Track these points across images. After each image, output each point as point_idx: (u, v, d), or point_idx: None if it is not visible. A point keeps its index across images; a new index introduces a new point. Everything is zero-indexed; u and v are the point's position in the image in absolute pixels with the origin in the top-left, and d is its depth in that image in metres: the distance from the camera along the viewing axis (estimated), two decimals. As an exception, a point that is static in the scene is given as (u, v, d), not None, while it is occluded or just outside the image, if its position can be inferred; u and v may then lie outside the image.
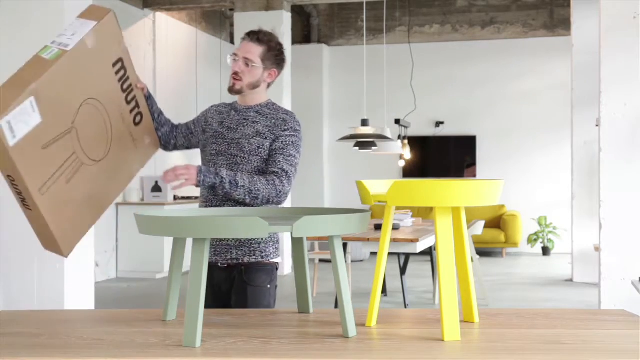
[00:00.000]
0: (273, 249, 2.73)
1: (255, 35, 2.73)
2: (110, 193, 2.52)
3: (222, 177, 2.55)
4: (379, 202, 1.94)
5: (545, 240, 10.82)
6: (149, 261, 8.63)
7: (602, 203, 4.62)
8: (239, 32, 9.05)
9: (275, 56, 2.76)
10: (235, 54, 2.74)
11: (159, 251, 8.53)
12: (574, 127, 8.37)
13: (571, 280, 8.42)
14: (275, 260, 2.74)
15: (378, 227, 6.38)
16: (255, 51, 2.72)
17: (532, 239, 10.84)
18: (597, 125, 5.30)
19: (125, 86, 2.48)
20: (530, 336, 1.85)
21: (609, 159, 4.62)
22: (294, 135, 2.73)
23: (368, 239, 5.70)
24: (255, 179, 2.59)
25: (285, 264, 8.92)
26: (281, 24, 8.89)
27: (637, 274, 4.51)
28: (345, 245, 5.99)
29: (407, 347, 1.75)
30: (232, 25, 11.21)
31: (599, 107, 4.64)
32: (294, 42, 10.31)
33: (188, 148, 2.94)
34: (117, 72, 2.43)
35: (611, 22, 4.60)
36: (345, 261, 4.87)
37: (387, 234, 1.98)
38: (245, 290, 2.66)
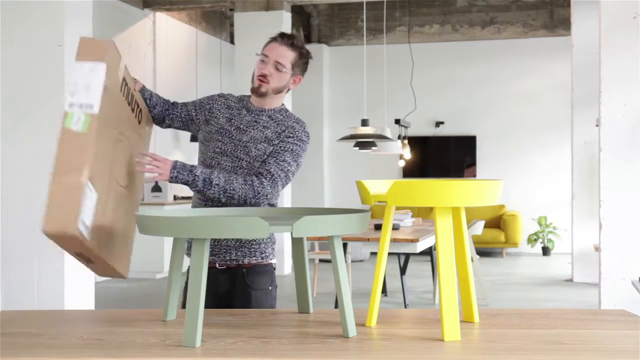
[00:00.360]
0: (271, 249, 2.71)
1: (290, 40, 2.66)
2: (134, 195, 2.46)
3: (196, 175, 2.48)
4: (379, 202, 1.94)
5: (545, 240, 10.82)
6: (149, 261, 8.63)
7: (602, 203, 4.62)
8: (239, 32, 9.07)
9: (304, 64, 2.72)
10: (265, 55, 2.66)
11: (159, 251, 8.53)
12: (574, 127, 8.37)
13: (571, 280, 8.42)
14: (273, 261, 2.73)
15: (378, 227, 6.38)
16: (288, 56, 2.65)
17: (532, 239, 10.84)
18: (597, 125, 5.29)
19: (130, 100, 2.39)
20: (530, 336, 1.85)
21: (609, 159, 4.62)
22: (296, 143, 2.65)
23: (368, 239, 5.70)
24: (232, 177, 2.53)
25: (285, 264, 8.92)
26: (281, 24, 8.88)
27: (637, 274, 4.51)
28: (345, 245, 5.99)
29: (407, 347, 1.75)
30: (232, 25, 11.21)
31: (599, 107, 4.64)
32: (294, 42, 10.30)
33: (180, 130, 2.84)
34: (124, 94, 2.32)
35: (611, 22, 4.60)
36: (345, 261, 4.87)
37: (387, 234, 1.98)
38: (249, 295, 2.62)
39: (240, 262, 2.63)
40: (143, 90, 2.64)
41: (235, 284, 2.65)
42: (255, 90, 2.67)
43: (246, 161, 2.62)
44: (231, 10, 10.44)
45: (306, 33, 11.81)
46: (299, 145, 2.65)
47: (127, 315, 2.18)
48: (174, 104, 2.78)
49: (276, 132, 2.65)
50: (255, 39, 9.00)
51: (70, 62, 4.36)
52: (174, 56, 9.94)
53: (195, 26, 10.57)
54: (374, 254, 9.52)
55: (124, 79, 2.27)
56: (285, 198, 8.97)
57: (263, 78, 2.65)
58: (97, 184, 2.01)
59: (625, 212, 4.58)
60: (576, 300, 7.10)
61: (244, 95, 2.80)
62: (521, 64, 11.16)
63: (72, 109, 2.01)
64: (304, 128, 2.70)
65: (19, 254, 4.11)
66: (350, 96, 11.50)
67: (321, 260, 8.65)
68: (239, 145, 2.64)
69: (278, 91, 2.69)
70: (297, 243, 2.20)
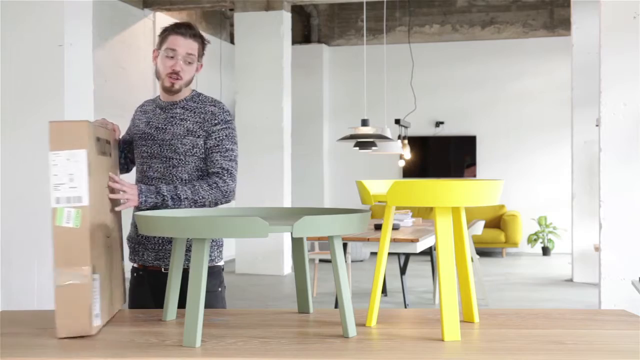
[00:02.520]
0: (217, 252, 2.67)
1: (192, 31, 2.63)
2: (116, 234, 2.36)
3: (164, 195, 2.45)
4: (379, 202, 1.94)
5: (545, 240, 10.82)
6: (149, 261, 8.62)
7: (602, 203, 4.62)
8: (239, 32, 9.07)
9: (204, 50, 2.70)
10: (173, 50, 2.59)
11: (159, 251, 8.52)
12: (574, 127, 8.37)
13: (571, 280, 8.41)
14: (220, 263, 2.69)
15: (378, 227, 6.38)
16: (195, 47, 2.63)
17: (532, 239, 10.84)
18: (597, 125, 5.29)
19: (103, 150, 2.21)
20: (530, 336, 1.85)
21: (609, 159, 4.62)
22: (226, 128, 2.61)
23: (368, 239, 5.70)
24: (196, 186, 2.50)
25: (285, 264, 8.92)
26: (281, 24, 8.89)
27: (637, 274, 4.51)
28: (345, 245, 5.99)
29: (407, 347, 1.75)
30: (232, 25, 11.20)
31: (599, 107, 4.64)
32: (294, 42, 10.31)
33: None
34: (98, 151, 2.12)
35: (611, 22, 4.60)
36: (345, 261, 4.87)
37: (387, 234, 1.98)
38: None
39: (186, 267, 2.50)
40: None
41: (184, 287, 2.59)
42: (169, 89, 2.62)
43: (176, 159, 2.60)
44: (231, 10, 10.44)
45: (306, 33, 11.82)
46: (229, 128, 2.63)
47: (127, 315, 2.18)
48: (120, 140, 2.71)
49: (197, 122, 2.60)
50: (255, 39, 9.08)
51: (70, 62, 4.36)
52: (174, 56, 9.93)
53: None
54: (374, 254, 9.52)
55: (97, 139, 2.10)
56: (285, 198, 8.97)
57: (176, 75, 2.59)
58: (98, 264, 1.97)
59: (625, 212, 4.58)
60: (576, 300, 7.10)
61: (153, 97, 2.77)
62: (521, 64, 11.16)
63: (60, 204, 1.89)
64: (223, 108, 2.65)
65: (19, 254, 4.11)
66: (350, 96, 11.50)
67: (321, 260, 8.65)
68: (164, 145, 2.61)
69: (189, 83, 2.66)
70: (297, 243, 2.20)
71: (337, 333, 1.89)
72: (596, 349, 1.73)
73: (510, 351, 1.71)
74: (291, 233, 1.77)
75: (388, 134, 7.35)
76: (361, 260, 9.98)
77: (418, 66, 10.35)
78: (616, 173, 4.60)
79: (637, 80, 4.54)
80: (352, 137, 7.09)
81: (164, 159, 2.61)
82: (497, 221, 10.89)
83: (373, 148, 7.18)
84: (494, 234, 10.59)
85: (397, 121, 8.48)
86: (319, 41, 11.77)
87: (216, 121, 2.61)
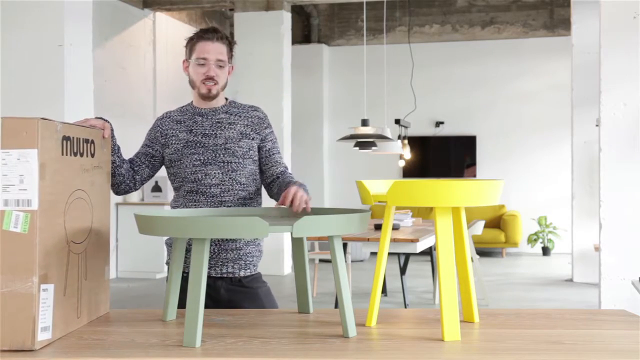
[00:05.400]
0: (260, 261, 2.72)
1: (219, 34, 2.61)
2: (101, 239, 2.21)
3: (304, 185, 2.45)
4: (379, 202, 1.94)
5: (545, 240, 10.82)
6: (149, 261, 8.64)
7: (602, 203, 4.62)
8: (239, 32, 9.07)
9: (232, 51, 2.69)
10: (204, 58, 2.57)
11: (159, 251, 8.53)
12: (574, 127, 8.37)
13: (571, 280, 8.42)
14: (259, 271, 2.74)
15: (378, 227, 6.38)
16: (224, 51, 2.61)
17: (532, 239, 10.84)
18: (597, 125, 5.29)
19: (77, 150, 2.03)
20: (530, 336, 1.85)
21: (609, 159, 4.62)
22: (273, 131, 2.72)
23: (368, 239, 5.70)
24: (296, 181, 2.52)
25: (285, 264, 8.92)
26: (281, 24, 8.89)
27: (637, 274, 4.51)
28: (345, 245, 5.99)
29: (407, 347, 1.75)
30: (232, 25, 11.20)
31: (599, 107, 4.64)
32: (294, 42, 10.31)
33: (150, 177, 2.72)
34: (68, 152, 1.96)
35: (611, 22, 4.60)
36: (345, 261, 4.87)
37: (387, 234, 1.98)
38: (256, 295, 2.60)
39: (236, 275, 2.59)
40: (113, 135, 2.42)
41: (237, 292, 2.60)
42: (206, 96, 2.60)
43: (235, 163, 2.59)
44: (231, 10, 10.44)
45: (306, 33, 11.82)
46: (273, 129, 2.72)
47: (127, 315, 2.18)
48: (130, 160, 2.66)
49: (247, 126, 2.63)
50: (255, 39, 9.07)
51: (70, 62, 4.37)
52: (174, 56, 9.94)
53: (195, 26, 10.56)
54: (374, 254, 9.52)
55: (63, 137, 1.92)
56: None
57: (211, 80, 2.58)
58: (51, 274, 1.83)
59: (625, 212, 4.58)
60: (576, 300, 7.10)
61: (182, 107, 2.72)
62: (521, 64, 11.16)
63: (8, 207, 1.76)
64: (263, 112, 2.73)
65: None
66: (350, 96, 11.50)
67: (321, 260, 8.65)
68: (218, 150, 2.59)
69: (225, 87, 2.66)
70: (297, 243, 2.20)
71: (337, 333, 1.89)
72: (596, 349, 1.73)
73: (510, 351, 1.71)
74: (291, 233, 1.77)
75: (388, 134, 7.35)
76: (361, 260, 9.98)
77: (418, 66, 10.35)
78: (616, 173, 4.60)
79: (637, 80, 4.54)
80: (352, 137, 7.09)
81: (222, 164, 2.58)
82: (497, 221, 10.89)
83: (373, 148, 7.18)
84: (494, 234, 10.59)
85: (397, 121, 8.49)
86: (319, 41, 11.77)
87: (265, 125, 2.67)
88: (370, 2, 9.42)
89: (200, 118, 2.64)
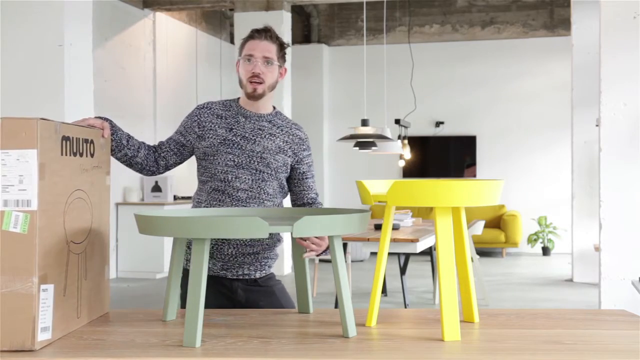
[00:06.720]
0: (275, 263, 2.73)
1: (268, 33, 2.57)
2: (100, 239, 2.22)
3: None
4: (379, 202, 1.94)
5: (545, 240, 10.82)
6: (149, 261, 8.64)
7: (602, 203, 4.62)
8: (239, 32, 9.06)
9: (285, 54, 2.63)
10: (250, 55, 2.53)
11: (159, 251, 8.53)
12: (574, 127, 8.37)
13: (571, 280, 8.42)
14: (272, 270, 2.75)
15: (378, 227, 6.38)
16: (272, 49, 2.56)
17: (532, 239, 10.84)
18: (597, 125, 5.29)
19: (76, 150, 2.03)
20: (530, 336, 1.85)
21: (609, 159, 4.62)
22: (311, 154, 2.69)
23: (368, 239, 5.70)
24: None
25: (285, 264, 8.92)
26: (281, 24, 8.88)
27: (637, 274, 4.51)
28: (345, 245, 5.99)
29: (407, 347, 1.75)
30: (232, 25, 11.21)
31: (599, 107, 4.64)
32: (294, 42, 10.31)
33: (178, 164, 2.70)
34: (67, 152, 1.96)
35: (611, 22, 4.60)
36: (345, 261, 4.87)
37: (387, 234, 1.98)
38: (272, 292, 2.61)
39: (252, 276, 2.60)
40: (115, 131, 2.44)
41: (253, 291, 2.61)
42: (252, 95, 2.56)
43: (267, 173, 2.56)
44: (231, 10, 10.44)
45: (306, 33, 11.82)
46: (311, 152, 2.72)
47: (127, 315, 2.18)
48: (160, 143, 2.65)
49: (286, 142, 2.60)
50: (255, 39, 9.07)
51: (70, 62, 4.36)
52: (174, 56, 9.94)
53: (195, 26, 10.57)
54: (374, 254, 9.52)
55: (62, 137, 1.92)
56: (285, 198, 8.96)
57: (257, 78, 2.53)
58: (51, 274, 1.84)
59: (625, 212, 4.58)
60: (576, 300, 7.10)
61: (226, 100, 2.68)
62: (521, 64, 11.16)
63: (8, 207, 1.76)
64: (305, 132, 2.70)
65: None
66: (350, 96, 11.50)
67: (321, 260, 8.65)
68: (254, 157, 2.55)
69: (272, 87, 2.60)
70: (297, 243, 2.20)
71: (337, 333, 1.89)
72: (596, 349, 1.73)
73: (510, 351, 1.71)
74: (291, 233, 1.76)
75: (388, 134, 7.35)
76: (361, 260, 9.98)
77: (418, 66, 10.35)
78: (616, 173, 4.60)
79: (637, 80, 4.54)
80: (352, 137, 7.09)
81: (254, 171, 2.55)
82: (497, 221, 10.89)
83: (373, 148, 7.18)
84: (494, 234, 10.59)
85: (397, 121, 8.49)
86: (319, 41, 11.77)
87: (304, 146, 2.65)
88: (370, 2, 9.42)
89: (244, 119, 2.59)
